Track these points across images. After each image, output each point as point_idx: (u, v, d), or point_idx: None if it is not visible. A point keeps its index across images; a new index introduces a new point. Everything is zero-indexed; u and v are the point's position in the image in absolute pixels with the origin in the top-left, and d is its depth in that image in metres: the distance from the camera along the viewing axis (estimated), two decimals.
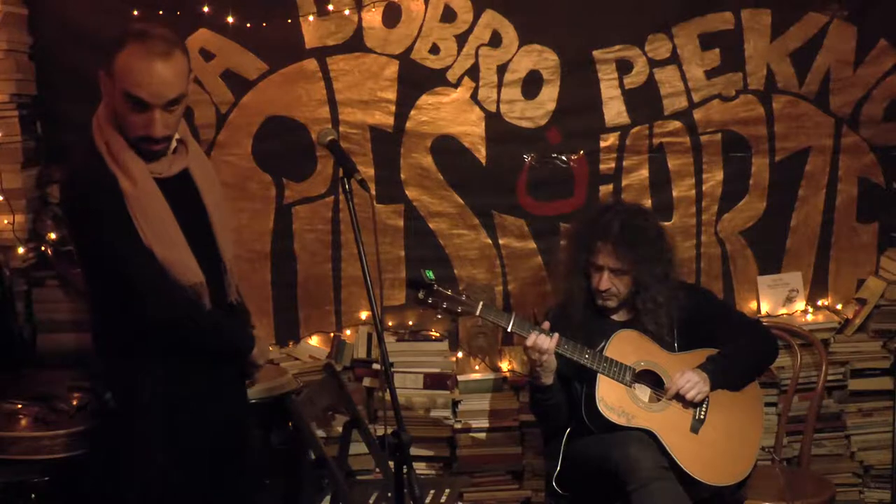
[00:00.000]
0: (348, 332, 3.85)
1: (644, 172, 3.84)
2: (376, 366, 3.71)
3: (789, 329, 3.73)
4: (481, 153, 3.78)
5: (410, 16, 3.67)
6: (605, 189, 3.82)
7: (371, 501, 3.26)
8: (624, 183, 3.83)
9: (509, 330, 2.96)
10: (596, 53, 3.73)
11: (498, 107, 3.75)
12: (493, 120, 3.76)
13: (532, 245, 3.85)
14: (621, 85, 3.76)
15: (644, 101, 3.77)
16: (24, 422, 2.85)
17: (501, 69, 3.73)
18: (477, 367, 3.84)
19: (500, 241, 3.85)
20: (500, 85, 3.74)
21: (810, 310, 3.91)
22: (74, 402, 2.90)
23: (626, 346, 3.06)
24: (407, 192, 3.79)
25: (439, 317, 3.52)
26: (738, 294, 3.91)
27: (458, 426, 3.73)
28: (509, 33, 3.70)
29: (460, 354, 3.85)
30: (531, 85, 3.74)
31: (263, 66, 3.66)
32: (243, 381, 2.64)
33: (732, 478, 3.01)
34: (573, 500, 3.10)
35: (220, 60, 3.65)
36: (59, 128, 3.68)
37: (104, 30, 3.58)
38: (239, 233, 3.61)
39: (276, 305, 3.82)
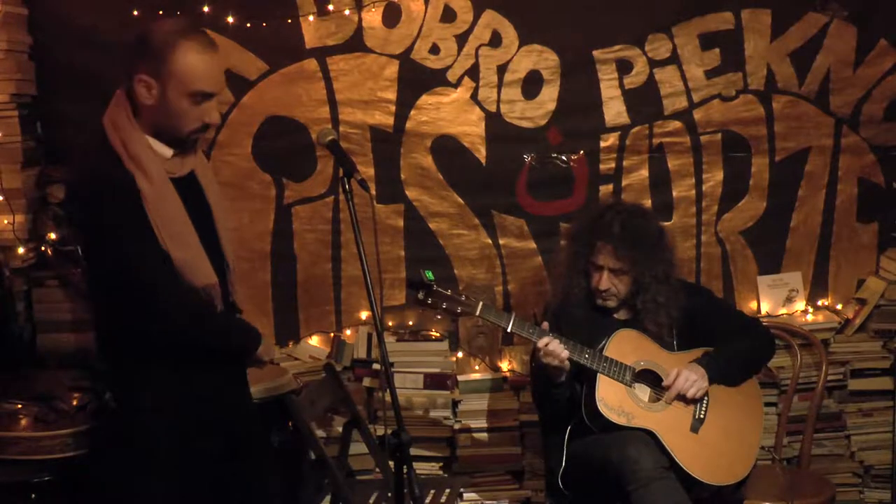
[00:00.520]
0: (348, 332, 3.85)
1: (644, 172, 3.84)
2: (376, 366, 3.71)
3: (789, 329, 3.73)
4: (481, 153, 3.78)
5: (410, 16, 3.67)
6: (605, 189, 3.82)
7: (371, 501, 3.26)
8: (624, 183, 3.83)
9: (509, 330, 2.96)
10: (596, 53, 3.73)
11: (498, 107, 3.75)
12: (493, 120, 3.76)
13: (532, 245, 3.85)
14: (621, 85, 3.76)
15: (644, 101, 3.77)
16: (24, 422, 2.85)
17: (501, 69, 3.73)
18: (477, 367, 3.84)
19: (500, 241, 3.85)
20: (500, 85, 3.74)
21: (810, 310, 3.91)
22: (74, 402, 2.90)
23: (625, 346, 3.06)
24: (407, 192, 3.79)
25: (439, 317, 3.53)
26: (738, 294, 3.91)
27: (458, 426, 3.74)
28: (509, 33, 3.70)
29: (460, 354, 3.85)
30: (531, 85, 3.74)
31: (263, 66, 3.67)
32: (246, 383, 2.64)
33: (732, 477, 3.01)
34: (574, 499, 3.10)
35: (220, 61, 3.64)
36: (59, 128, 3.68)
37: (104, 30, 3.59)
38: (239, 233, 3.61)
39: (276, 305, 3.82)
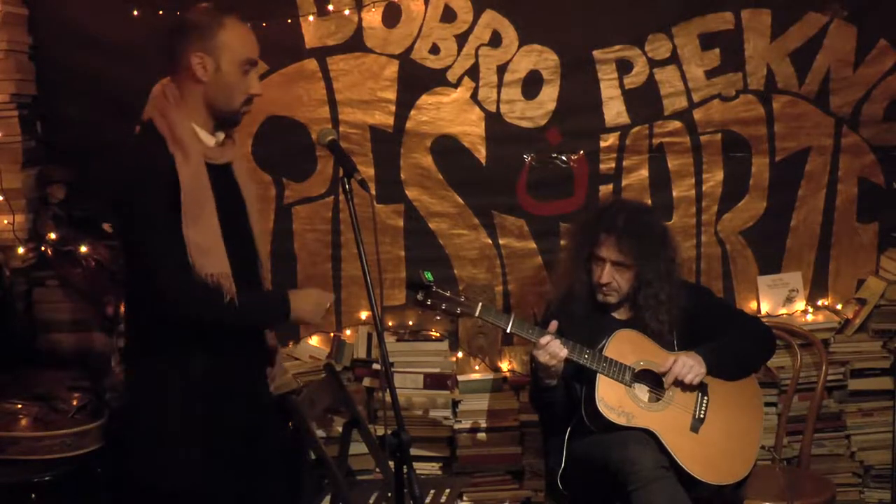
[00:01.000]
0: (348, 332, 3.85)
1: (644, 172, 3.84)
2: (376, 366, 3.71)
3: (789, 329, 3.73)
4: (481, 153, 3.78)
5: (410, 16, 3.67)
6: (605, 189, 3.82)
7: (371, 501, 3.26)
8: (624, 183, 3.83)
9: (508, 331, 2.96)
10: (596, 53, 3.73)
11: (498, 107, 3.75)
12: (493, 120, 3.76)
13: (532, 245, 3.85)
14: (621, 85, 3.76)
15: (644, 101, 3.77)
16: (24, 422, 2.85)
17: (501, 69, 3.73)
18: (477, 367, 3.84)
19: (500, 241, 3.85)
20: (500, 85, 3.74)
21: (810, 310, 3.91)
22: (74, 402, 2.91)
23: (625, 346, 3.06)
24: (407, 192, 3.79)
25: (439, 317, 3.53)
26: (738, 294, 3.91)
27: (458, 426, 3.74)
28: (509, 33, 3.70)
29: (460, 354, 3.85)
30: (531, 85, 3.74)
31: (263, 66, 3.66)
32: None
33: (732, 477, 3.01)
34: (574, 499, 3.10)
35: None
36: (59, 128, 3.68)
37: (104, 30, 3.59)
38: None
39: None
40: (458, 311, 2.91)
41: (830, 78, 3.79)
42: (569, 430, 3.10)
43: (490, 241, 3.84)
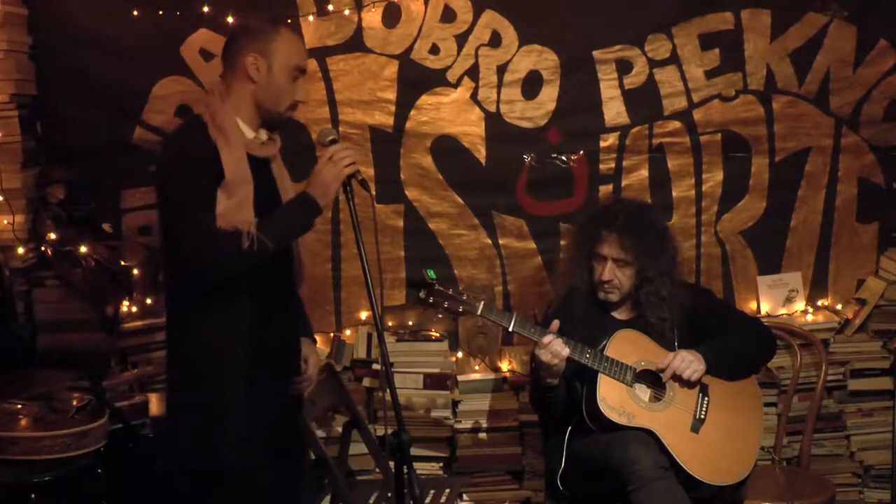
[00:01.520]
0: (348, 332, 3.85)
1: (644, 172, 3.84)
2: (376, 366, 3.71)
3: (789, 329, 3.73)
4: (481, 153, 3.78)
5: (410, 16, 3.67)
6: (605, 189, 3.82)
7: (371, 501, 3.26)
8: (624, 183, 3.83)
9: (510, 330, 2.96)
10: (596, 53, 3.73)
11: (498, 107, 3.75)
12: (493, 120, 3.76)
13: (532, 245, 3.85)
14: (621, 85, 3.76)
15: (644, 101, 3.77)
16: (24, 422, 2.85)
17: (501, 69, 3.73)
18: (477, 367, 3.84)
19: (500, 242, 3.85)
20: (499, 85, 3.74)
21: (810, 310, 3.91)
22: (74, 403, 2.90)
23: (626, 346, 3.06)
24: (407, 192, 3.79)
25: (440, 316, 3.52)
26: (738, 294, 3.91)
27: (458, 426, 3.74)
28: (509, 33, 3.70)
29: (460, 354, 3.85)
30: (531, 85, 3.74)
31: None
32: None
33: (732, 477, 3.01)
34: (574, 499, 3.10)
35: (220, 60, 3.63)
36: (59, 128, 3.69)
37: (104, 30, 3.60)
38: None
39: None
40: (460, 309, 2.91)
41: (830, 78, 3.80)
42: (569, 430, 3.10)
43: (490, 242, 3.84)
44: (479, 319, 2.98)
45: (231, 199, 2.37)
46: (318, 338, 3.82)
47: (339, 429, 3.56)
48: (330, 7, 3.64)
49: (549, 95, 3.75)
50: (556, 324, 2.95)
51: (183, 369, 2.52)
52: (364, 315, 3.83)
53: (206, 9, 3.57)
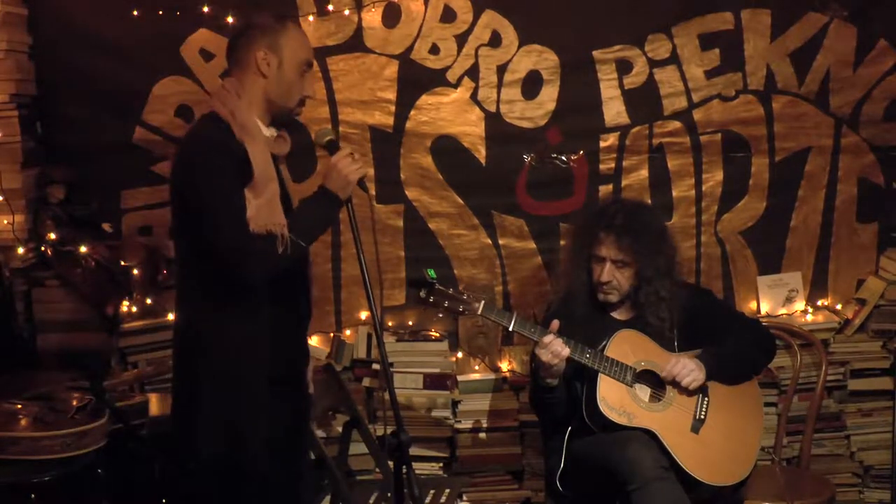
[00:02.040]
0: (348, 332, 3.85)
1: (644, 172, 3.84)
2: (376, 366, 3.71)
3: (789, 329, 3.73)
4: (481, 153, 3.78)
5: (410, 16, 3.67)
6: (605, 189, 3.82)
7: (371, 501, 3.26)
8: (624, 183, 3.83)
9: (511, 329, 2.95)
10: (596, 53, 3.73)
11: (498, 107, 3.75)
12: (493, 120, 3.76)
13: (532, 245, 3.85)
14: (621, 85, 3.76)
15: (644, 101, 3.77)
16: (24, 422, 2.84)
17: (501, 69, 3.73)
18: (477, 367, 3.84)
19: (500, 242, 3.85)
20: (499, 85, 3.74)
21: (810, 310, 3.91)
22: (74, 403, 2.90)
23: (626, 346, 3.06)
24: (407, 193, 3.79)
25: (440, 316, 3.52)
26: (738, 294, 3.91)
27: (458, 426, 3.74)
28: (509, 33, 3.70)
29: (460, 354, 3.85)
30: (531, 85, 3.74)
31: None
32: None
33: (732, 478, 3.01)
34: (574, 499, 3.10)
35: (220, 60, 3.64)
36: (59, 128, 3.69)
37: (104, 30, 3.60)
38: None
39: None
40: (461, 308, 2.91)
41: (830, 78, 3.80)
42: (569, 430, 3.10)
43: (490, 242, 3.84)
44: (480, 319, 2.98)
45: (259, 199, 2.37)
46: (318, 338, 3.85)
47: (339, 429, 3.57)
48: (330, 7, 3.64)
49: (548, 95, 3.75)
50: (556, 323, 2.95)
51: (199, 368, 2.48)
52: (364, 315, 3.83)
53: (206, 9, 3.57)
